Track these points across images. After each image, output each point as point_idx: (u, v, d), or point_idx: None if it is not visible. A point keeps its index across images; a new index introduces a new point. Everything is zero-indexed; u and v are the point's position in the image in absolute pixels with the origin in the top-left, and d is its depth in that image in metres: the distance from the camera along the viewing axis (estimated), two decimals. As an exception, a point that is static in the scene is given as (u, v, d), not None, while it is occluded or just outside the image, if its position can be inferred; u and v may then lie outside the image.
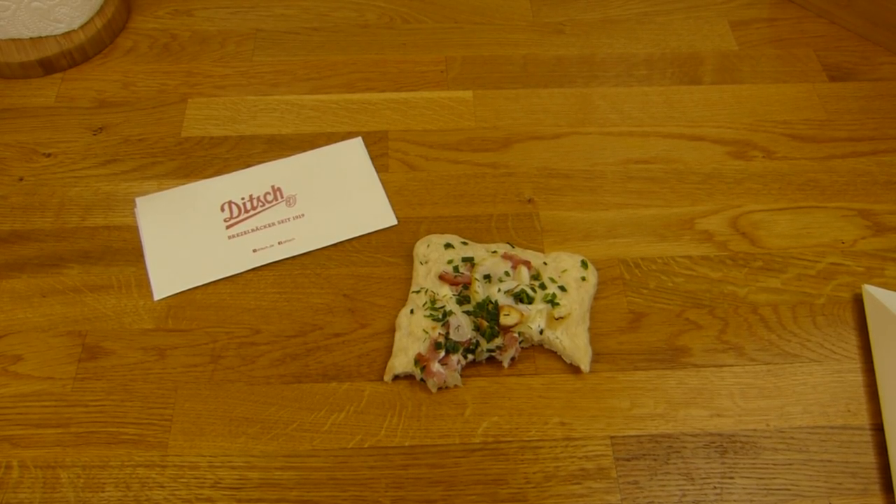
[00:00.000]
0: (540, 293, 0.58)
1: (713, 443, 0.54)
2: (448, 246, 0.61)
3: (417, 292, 0.59)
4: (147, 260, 0.63)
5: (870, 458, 0.53)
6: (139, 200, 0.66)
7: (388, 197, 0.67)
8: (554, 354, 0.58)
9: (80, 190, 0.67)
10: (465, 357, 0.56)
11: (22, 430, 0.54)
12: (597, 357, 0.58)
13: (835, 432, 0.55)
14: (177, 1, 0.84)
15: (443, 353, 0.55)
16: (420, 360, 0.55)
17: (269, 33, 0.81)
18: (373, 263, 0.63)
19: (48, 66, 0.75)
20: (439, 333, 0.56)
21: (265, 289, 0.62)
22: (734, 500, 0.52)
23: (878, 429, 0.55)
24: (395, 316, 0.59)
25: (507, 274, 0.58)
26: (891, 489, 0.52)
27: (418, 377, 0.55)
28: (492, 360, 0.57)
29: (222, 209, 0.66)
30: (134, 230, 0.65)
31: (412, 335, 0.56)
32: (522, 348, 0.57)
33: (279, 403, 0.56)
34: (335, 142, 0.71)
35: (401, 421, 0.55)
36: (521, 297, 0.57)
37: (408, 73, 0.77)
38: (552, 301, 0.57)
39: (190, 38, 0.80)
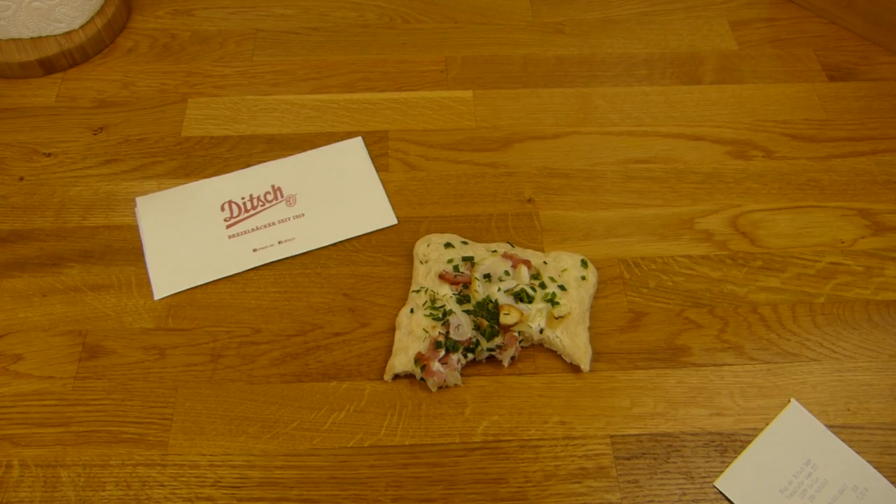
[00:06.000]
0: (540, 292, 0.58)
1: (713, 441, 0.54)
2: (448, 245, 0.61)
3: (417, 291, 0.59)
4: (147, 259, 0.63)
5: (870, 457, 0.53)
6: (139, 200, 0.66)
7: (388, 196, 0.67)
8: (554, 354, 0.58)
9: (81, 189, 0.67)
10: (465, 356, 0.56)
11: (22, 429, 0.54)
12: (597, 356, 0.58)
13: (834, 431, 0.55)
14: (177, 1, 0.84)
15: (443, 353, 0.55)
16: (420, 360, 0.55)
17: (269, 33, 0.81)
18: (373, 263, 0.63)
19: (48, 66, 0.75)
20: (439, 333, 0.56)
21: (265, 288, 0.62)
22: (734, 499, 0.52)
23: (878, 428, 0.55)
24: (396, 315, 0.59)
25: (506, 273, 0.58)
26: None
27: (418, 376, 0.55)
28: (492, 360, 0.57)
29: (222, 209, 0.66)
30: (134, 230, 0.65)
31: (412, 334, 0.56)
32: (522, 347, 0.57)
33: (279, 402, 0.56)
34: (335, 141, 0.71)
35: (401, 420, 0.55)
36: (521, 297, 0.57)
37: (408, 73, 0.77)
38: (552, 300, 0.57)
39: (190, 38, 0.80)
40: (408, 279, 0.61)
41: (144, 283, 0.62)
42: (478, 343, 0.56)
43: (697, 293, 0.62)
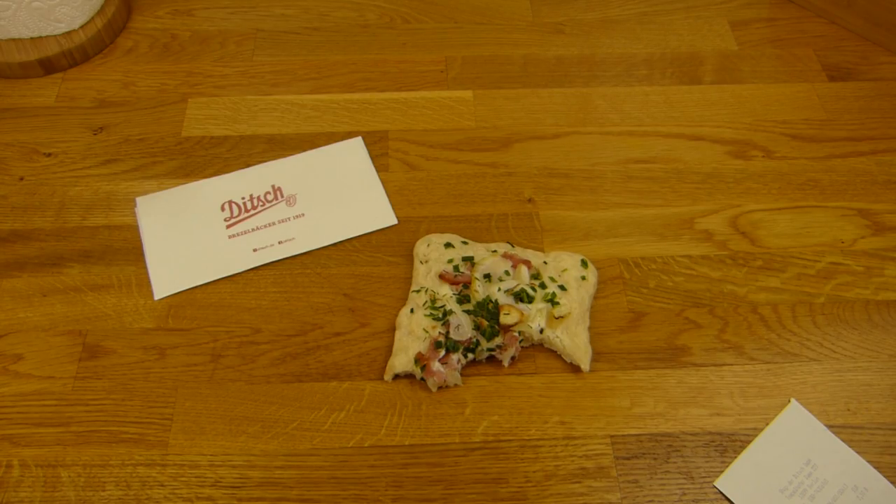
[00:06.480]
0: (540, 292, 0.58)
1: (713, 441, 0.54)
2: (448, 245, 0.61)
3: (417, 291, 0.59)
4: (147, 259, 0.63)
5: (870, 457, 0.54)
6: (139, 200, 0.66)
7: (389, 196, 0.67)
8: (554, 354, 0.58)
9: (81, 189, 0.67)
10: (466, 356, 0.56)
11: (22, 429, 0.54)
12: (597, 356, 0.58)
13: (834, 431, 0.55)
14: (177, 1, 0.84)
15: (443, 353, 0.55)
16: (420, 360, 0.55)
17: (269, 33, 0.81)
18: (373, 263, 0.63)
19: (48, 66, 0.75)
20: (439, 332, 0.56)
21: (265, 288, 0.62)
22: (734, 499, 0.52)
23: (878, 428, 0.55)
24: (396, 315, 0.59)
25: (507, 273, 0.58)
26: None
27: (418, 376, 0.55)
28: (492, 360, 0.57)
29: (223, 209, 0.66)
30: (134, 230, 0.65)
31: (412, 334, 0.56)
32: (522, 347, 0.57)
33: (279, 402, 0.56)
34: (335, 141, 0.71)
35: (401, 420, 0.55)
36: (521, 297, 0.57)
37: (408, 73, 0.77)
38: (552, 300, 0.57)
39: (190, 38, 0.80)
40: (408, 279, 0.61)
41: (144, 283, 0.62)
42: (478, 343, 0.56)
43: (697, 293, 0.62)
